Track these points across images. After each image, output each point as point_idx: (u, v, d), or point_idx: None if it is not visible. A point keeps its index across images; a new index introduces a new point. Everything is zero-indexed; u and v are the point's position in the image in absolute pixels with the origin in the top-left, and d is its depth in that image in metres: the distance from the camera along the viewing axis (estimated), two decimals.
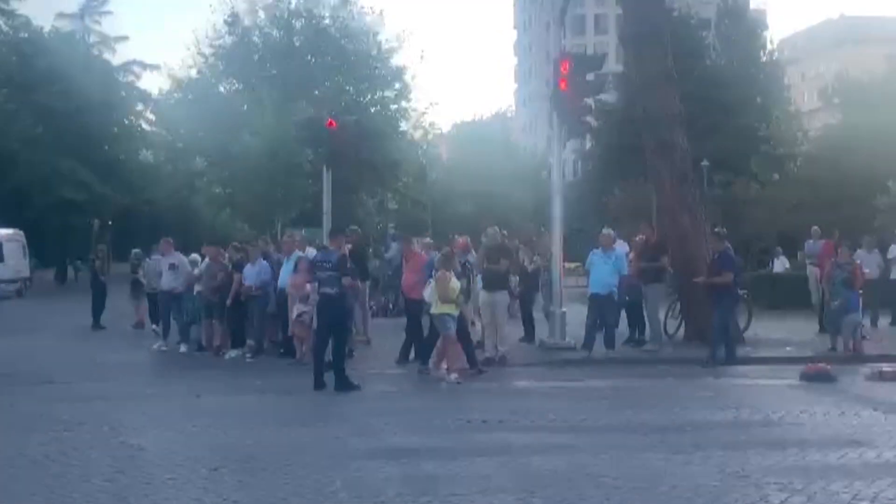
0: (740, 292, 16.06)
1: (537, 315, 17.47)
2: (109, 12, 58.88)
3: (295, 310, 14.57)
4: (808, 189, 38.59)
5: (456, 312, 12.95)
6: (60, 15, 57.58)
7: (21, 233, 37.00)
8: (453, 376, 12.62)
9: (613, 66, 47.06)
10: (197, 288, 16.63)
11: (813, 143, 48.27)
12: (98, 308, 21.51)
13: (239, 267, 15.98)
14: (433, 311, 13.04)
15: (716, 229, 16.26)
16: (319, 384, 12.03)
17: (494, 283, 14.54)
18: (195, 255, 18.05)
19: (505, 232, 16.85)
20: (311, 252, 15.30)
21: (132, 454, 8.39)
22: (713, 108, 44.90)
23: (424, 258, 15.99)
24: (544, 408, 10.87)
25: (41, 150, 43.40)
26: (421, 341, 14.14)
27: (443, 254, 13.87)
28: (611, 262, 15.20)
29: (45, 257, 45.69)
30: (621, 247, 17.58)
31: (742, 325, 16.69)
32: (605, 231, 16.20)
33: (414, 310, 14.58)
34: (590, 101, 17.36)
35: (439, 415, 10.34)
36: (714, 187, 40.54)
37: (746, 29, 54.32)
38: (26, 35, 48.70)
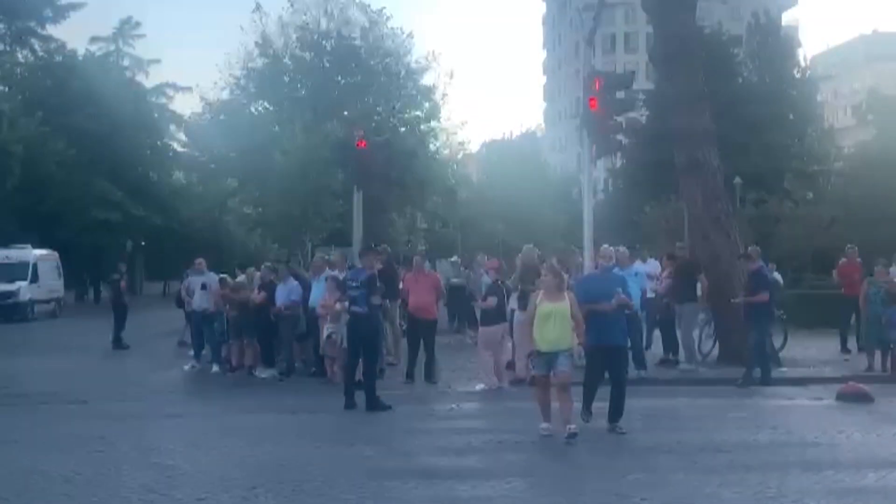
0: (776, 312, 15.87)
1: None
2: (143, 35, 59.80)
3: (325, 329, 14.59)
4: (842, 207, 38.16)
5: (548, 348, 9.93)
6: (94, 38, 58.55)
7: (55, 253, 37.43)
8: (568, 427, 9.77)
9: (643, 83, 47.09)
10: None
11: (847, 160, 47.75)
12: (118, 327, 21.62)
13: (270, 287, 16.05)
14: None
15: (749, 248, 16.09)
16: (350, 404, 12.02)
17: (529, 303, 14.45)
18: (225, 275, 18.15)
19: (538, 251, 16.78)
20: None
21: (166, 474, 8.42)
22: (745, 125, 44.69)
23: (435, 277, 15.99)
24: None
25: (75, 172, 43.95)
26: (433, 359, 14.75)
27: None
28: (635, 280, 15.08)
29: (78, 278, 46.15)
30: (649, 265, 17.50)
31: (778, 344, 16.49)
32: (620, 249, 16.13)
33: (428, 330, 14.82)
34: (620, 118, 17.30)
35: (471, 435, 10.29)
36: (747, 205, 40.23)
37: (778, 46, 54.10)
38: (61, 58, 49.44)
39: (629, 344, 12.62)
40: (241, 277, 17.54)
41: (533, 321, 10.19)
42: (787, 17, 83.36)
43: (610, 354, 10.51)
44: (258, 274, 17.08)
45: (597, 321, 10.22)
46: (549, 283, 10.28)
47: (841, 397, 12.52)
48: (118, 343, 21.40)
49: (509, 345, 14.73)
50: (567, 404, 9.90)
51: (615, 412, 10.35)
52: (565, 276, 10.84)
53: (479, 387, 13.98)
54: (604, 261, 11.41)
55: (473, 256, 23.05)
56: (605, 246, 11.85)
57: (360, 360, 12.40)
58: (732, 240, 16.87)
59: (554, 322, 9.93)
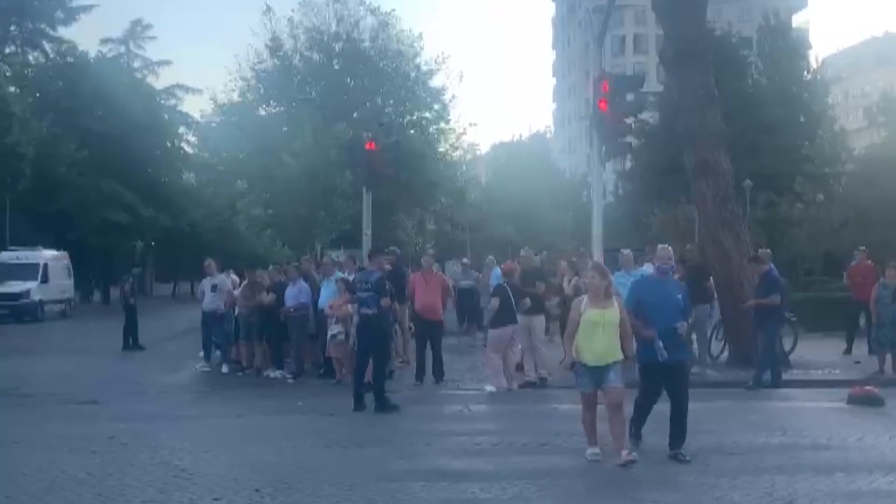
0: (787, 314, 15.82)
1: None
2: (153, 37, 60.09)
3: (330, 331, 14.61)
4: (853, 209, 38.02)
5: (595, 362, 8.65)
6: (105, 40, 58.86)
7: (66, 254, 37.59)
8: (624, 454, 8.57)
9: (654, 85, 47.01)
10: (238, 308, 16.80)
11: (858, 162, 47.60)
12: (128, 330, 21.63)
13: (280, 288, 16.08)
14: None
15: (759, 250, 16.05)
16: (359, 405, 12.03)
17: (530, 306, 14.43)
18: (235, 277, 18.31)
19: (545, 253, 16.76)
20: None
21: (175, 475, 8.42)
22: (756, 127, 44.52)
23: (443, 278, 15.99)
24: None
25: (86, 174, 44.11)
26: (440, 360, 14.83)
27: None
28: None
29: (84, 278, 46.28)
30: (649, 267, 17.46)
31: (787, 347, 16.43)
32: (625, 252, 16.12)
33: (436, 331, 14.85)
34: (630, 120, 17.27)
35: (480, 437, 10.27)
36: (757, 207, 40.11)
37: (789, 47, 53.90)
38: (72, 60, 49.64)
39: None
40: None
41: (566, 328, 8.90)
42: (797, 19, 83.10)
43: (670, 372, 9.07)
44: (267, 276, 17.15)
45: (655, 330, 8.95)
46: (595, 287, 8.81)
47: (852, 400, 12.45)
48: (129, 344, 21.42)
49: (518, 346, 14.72)
50: (620, 427, 8.73)
51: (677, 436, 8.99)
52: (612, 279, 9.39)
53: (488, 388, 13.97)
54: (662, 262, 9.44)
55: (483, 258, 23.04)
56: (663, 246, 9.90)
57: (370, 361, 12.40)
58: (743, 242, 16.82)
59: (603, 331, 8.63)
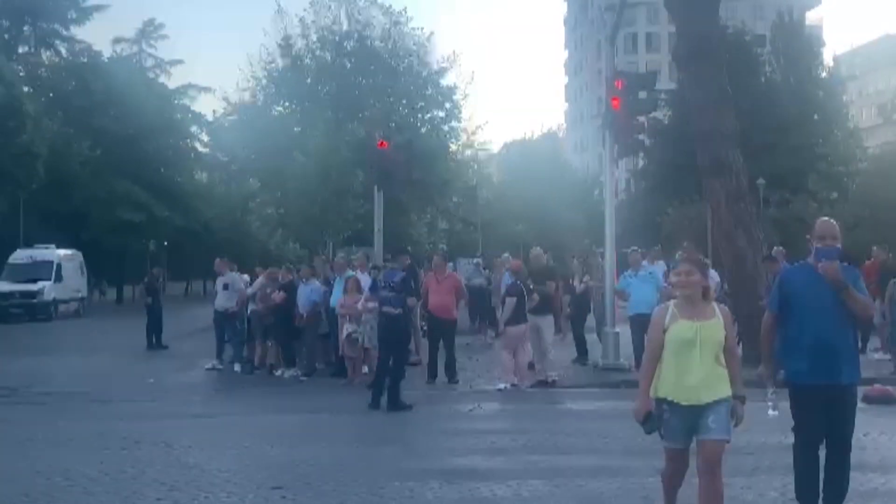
0: None
1: (589, 337, 17.33)
2: (165, 36, 60.29)
3: (344, 330, 14.61)
4: (867, 207, 37.88)
5: (689, 400, 5.84)
6: (118, 39, 59.12)
7: (79, 253, 37.78)
8: None
9: (666, 83, 46.94)
10: (251, 307, 16.81)
11: (872, 160, 47.41)
12: (150, 329, 21.70)
13: (290, 287, 16.09)
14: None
15: (773, 249, 15.96)
16: (376, 403, 12.02)
17: (539, 306, 14.40)
18: (246, 276, 18.36)
19: (549, 254, 16.73)
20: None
21: (188, 472, 8.44)
22: (769, 125, 44.45)
23: (456, 279, 16.00)
24: (599, 430, 10.72)
25: (99, 173, 44.34)
26: (454, 359, 14.72)
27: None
28: (650, 281, 15.06)
29: (89, 279, 46.62)
30: (658, 266, 17.47)
31: None
32: (631, 250, 16.14)
33: (449, 329, 14.81)
34: (642, 118, 17.23)
35: (493, 436, 10.26)
36: (771, 206, 40.02)
37: (802, 45, 53.81)
38: (85, 60, 49.86)
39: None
40: (261, 278, 17.63)
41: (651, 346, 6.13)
42: (811, 17, 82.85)
43: (830, 399, 6.28)
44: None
45: (806, 341, 6.31)
46: (689, 286, 5.89)
47: (867, 399, 12.35)
48: (152, 343, 21.50)
49: (529, 345, 14.69)
50: (714, 496, 5.86)
51: (833, 493, 6.40)
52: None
53: (500, 387, 13.95)
54: (823, 242, 6.59)
55: (495, 257, 23.02)
56: (826, 219, 7.03)
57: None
58: (756, 240, 16.76)
59: (701, 354, 5.80)
